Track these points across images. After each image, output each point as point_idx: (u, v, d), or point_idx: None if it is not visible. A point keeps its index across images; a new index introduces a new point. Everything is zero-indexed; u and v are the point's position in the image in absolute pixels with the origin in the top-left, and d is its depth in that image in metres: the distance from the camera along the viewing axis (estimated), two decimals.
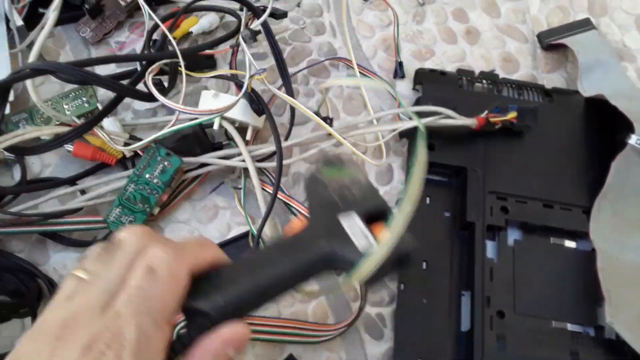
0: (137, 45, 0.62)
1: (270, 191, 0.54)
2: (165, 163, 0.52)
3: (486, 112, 0.55)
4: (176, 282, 0.28)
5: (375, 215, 0.35)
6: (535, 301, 0.53)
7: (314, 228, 0.35)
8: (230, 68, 0.58)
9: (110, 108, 0.47)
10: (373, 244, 0.33)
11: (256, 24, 0.55)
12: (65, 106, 0.55)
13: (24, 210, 0.50)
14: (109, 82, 0.44)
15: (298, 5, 0.66)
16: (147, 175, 0.51)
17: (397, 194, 0.58)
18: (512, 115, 0.55)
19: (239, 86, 0.55)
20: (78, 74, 0.41)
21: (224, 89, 0.61)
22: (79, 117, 0.55)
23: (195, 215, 0.55)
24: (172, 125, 0.48)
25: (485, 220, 0.54)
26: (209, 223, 0.55)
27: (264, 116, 0.55)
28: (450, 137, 0.56)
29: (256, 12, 0.55)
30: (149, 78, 0.46)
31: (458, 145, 0.56)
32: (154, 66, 0.47)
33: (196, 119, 0.50)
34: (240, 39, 0.52)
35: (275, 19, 0.58)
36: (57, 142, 0.46)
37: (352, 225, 0.35)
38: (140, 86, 0.49)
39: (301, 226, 0.35)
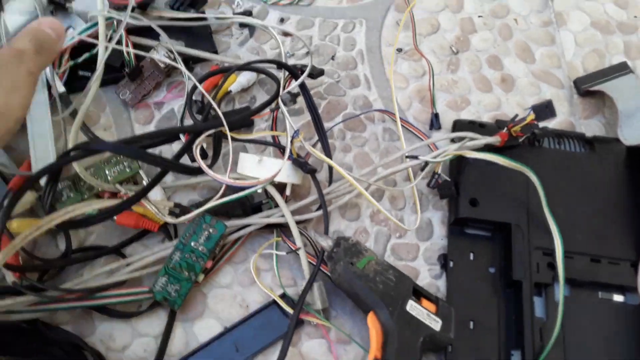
0: (174, 103, 0.63)
1: (314, 261, 0.54)
2: (211, 230, 0.52)
3: (506, 127, 0.56)
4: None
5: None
6: (586, 358, 0.52)
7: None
8: (272, 129, 0.58)
9: (156, 182, 0.47)
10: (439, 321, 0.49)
11: (294, 86, 0.55)
12: (107, 172, 0.56)
13: (70, 282, 0.50)
14: (158, 159, 0.44)
15: (332, 58, 0.67)
16: (192, 243, 0.51)
17: (439, 250, 0.58)
18: (530, 118, 0.55)
19: (276, 146, 0.56)
20: (128, 153, 0.42)
21: (260, 147, 0.61)
22: (120, 182, 0.55)
23: (237, 279, 0.55)
24: (220, 197, 0.49)
25: (532, 278, 0.53)
26: (252, 286, 0.55)
27: (301, 173, 0.55)
28: (494, 192, 0.56)
29: (294, 74, 0.56)
30: (196, 152, 0.46)
31: (501, 199, 0.55)
32: (201, 138, 0.48)
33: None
34: (281, 103, 0.52)
35: (313, 79, 0.58)
36: (103, 216, 0.47)
37: (420, 313, 0.49)
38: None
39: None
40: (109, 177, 0.56)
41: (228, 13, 0.68)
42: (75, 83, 0.60)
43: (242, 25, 0.68)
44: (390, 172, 0.57)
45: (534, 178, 0.54)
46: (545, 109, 0.53)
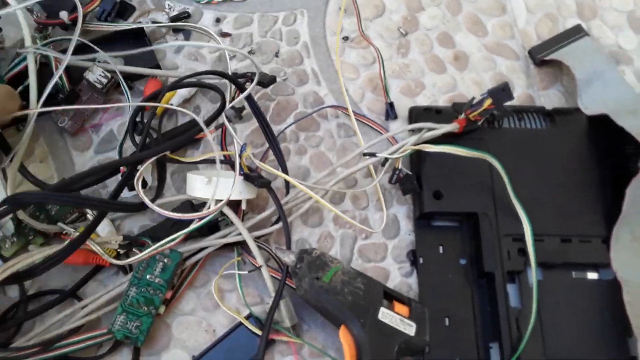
0: (113, 124, 0.59)
1: (278, 276, 0.51)
2: (165, 260, 0.49)
3: (463, 112, 0.54)
4: None
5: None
6: (565, 342, 0.50)
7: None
8: (222, 149, 0.55)
9: (96, 225, 0.44)
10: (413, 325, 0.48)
11: (239, 99, 0.52)
12: (49, 206, 0.53)
13: (23, 337, 0.47)
14: (95, 202, 0.41)
15: (276, 55, 0.63)
16: (147, 276, 0.49)
17: (407, 247, 0.56)
18: (487, 102, 0.52)
19: (227, 163, 0.53)
20: (62, 201, 0.39)
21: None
22: (64, 216, 0.52)
23: (201, 304, 0.53)
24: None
25: (504, 267, 0.51)
26: (216, 310, 0.53)
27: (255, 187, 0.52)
28: (457, 182, 0.53)
29: (240, 87, 0.52)
30: (138, 185, 0.43)
31: (465, 189, 0.53)
32: (142, 168, 0.44)
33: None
34: (226, 121, 0.49)
35: (264, 87, 0.55)
36: (49, 263, 0.44)
37: (393, 319, 0.47)
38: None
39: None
40: (52, 212, 0.53)
41: (161, 19, 0.64)
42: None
43: (176, 31, 0.64)
44: (348, 173, 0.54)
45: (496, 164, 0.52)
46: (502, 92, 0.51)
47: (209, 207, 0.47)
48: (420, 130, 0.55)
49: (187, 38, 0.64)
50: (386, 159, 0.54)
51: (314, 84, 0.62)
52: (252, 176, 0.50)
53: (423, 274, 0.54)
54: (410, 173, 0.55)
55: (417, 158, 0.56)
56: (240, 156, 0.49)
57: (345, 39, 0.64)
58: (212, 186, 0.49)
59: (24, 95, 0.54)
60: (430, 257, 0.54)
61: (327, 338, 0.52)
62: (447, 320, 0.52)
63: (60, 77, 0.55)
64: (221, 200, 0.47)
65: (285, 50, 0.64)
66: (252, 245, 0.51)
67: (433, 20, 0.65)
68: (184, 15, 0.64)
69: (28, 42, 0.54)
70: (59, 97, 0.56)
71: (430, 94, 0.62)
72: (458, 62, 0.63)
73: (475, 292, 0.53)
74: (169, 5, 0.65)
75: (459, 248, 0.54)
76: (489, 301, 0.52)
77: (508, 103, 0.57)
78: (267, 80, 0.55)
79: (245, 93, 0.50)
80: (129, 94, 0.57)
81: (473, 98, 0.55)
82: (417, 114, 0.58)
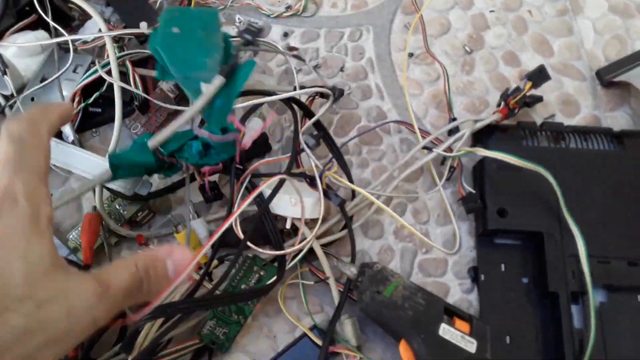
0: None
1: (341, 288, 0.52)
2: (262, 272, 0.51)
3: (503, 101, 0.56)
4: (39, 140, 0.32)
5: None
6: None
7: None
8: (298, 167, 0.56)
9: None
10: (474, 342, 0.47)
11: (309, 125, 0.53)
12: (120, 207, 0.55)
13: None
14: (226, 299, 0.48)
15: (341, 69, 0.65)
16: (242, 286, 0.50)
17: (468, 263, 0.56)
18: (528, 86, 0.55)
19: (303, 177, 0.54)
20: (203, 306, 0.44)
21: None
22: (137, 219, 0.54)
23: (263, 309, 0.54)
24: None
25: (568, 288, 0.50)
26: (277, 316, 0.54)
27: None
28: (521, 199, 0.53)
29: (311, 114, 0.53)
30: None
31: (530, 207, 0.53)
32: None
33: None
34: (307, 149, 0.50)
35: (334, 101, 0.56)
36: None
37: (454, 336, 0.47)
38: None
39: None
40: (123, 212, 0.55)
41: (231, 32, 0.66)
42: (87, 121, 0.59)
43: (245, 43, 0.65)
44: (408, 172, 0.55)
45: (550, 178, 0.51)
46: (539, 74, 0.55)
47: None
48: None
49: (255, 52, 0.65)
50: (444, 159, 0.55)
51: (378, 99, 0.63)
52: (332, 195, 0.51)
53: (484, 291, 0.53)
54: (473, 191, 0.55)
55: (480, 175, 0.56)
56: (321, 176, 0.50)
57: (410, 55, 0.65)
58: (298, 207, 0.50)
59: (98, 102, 0.57)
60: (492, 274, 0.54)
61: (386, 350, 0.52)
62: (508, 338, 0.51)
63: (136, 86, 0.58)
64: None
65: (350, 65, 0.65)
66: (323, 259, 0.52)
67: (499, 39, 0.66)
68: (253, 29, 0.66)
69: (110, 51, 0.56)
70: (134, 105, 0.58)
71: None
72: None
73: (537, 311, 0.52)
74: (239, 19, 0.67)
75: (521, 266, 0.54)
76: (552, 321, 0.51)
77: (573, 120, 0.57)
78: (337, 95, 0.56)
79: (314, 119, 0.52)
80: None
81: (517, 87, 0.56)
82: (480, 132, 0.58)
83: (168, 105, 0.59)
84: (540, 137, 0.57)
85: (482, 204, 0.54)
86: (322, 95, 0.57)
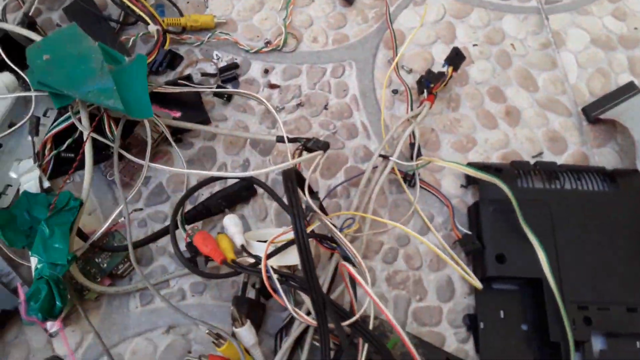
0: (161, 176, 0.58)
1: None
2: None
3: (426, 91, 0.59)
4: None
5: None
6: None
7: None
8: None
9: None
10: None
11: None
12: (99, 260, 0.51)
13: None
14: None
15: (325, 107, 0.62)
16: None
17: (462, 310, 0.54)
18: (450, 70, 0.60)
19: None
20: None
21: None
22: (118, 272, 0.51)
23: None
24: None
25: (570, 336, 0.49)
26: None
27: None
28: (519, 243, 0.52)
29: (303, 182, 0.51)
30: None
31: (528, 251, 0.51)
32: None
33: None
34: (313, 207, 0.48)
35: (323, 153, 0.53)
36: None
37: None
38: None
39: None
40: (103, 265, 0.51)
41: (208, 69, 0.63)
42: (59, 168, 0.55)
43: (225, 81, 0.63)
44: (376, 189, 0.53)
45: (505, 189, 0.51)
46: (456, 57, 0.60)
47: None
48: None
49: (235, 89, 0.63)
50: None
51: (364, 138, 0.61)
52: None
53: (484, 340, 0.52)
54: (469, 232, 0.53)
55: (475, 217, 0.54)
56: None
57: (395, 92, 0.63)
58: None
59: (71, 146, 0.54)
60: (491, 322, 0.52)
61: None
62: None
63: (112, 132, 0.54)
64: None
65: (335, 102, 0.63)
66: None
67: (483, 73, 0.65)
68: (232, 66, 0.63)
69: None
70: (110, 151, 0.55)
71: (482, 150, 0.60)
72: (510, 118, 0.62)
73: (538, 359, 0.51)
74: (217, 55, 0.64)
75: (520, 313, 0.53)
76: None
77: (561, 159, 0.56)
78: (323, 147, 0.53)
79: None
80: (178, 150, 0.56)
81: (434, 72, 0.60)
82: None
83: (137, 160, 0.55)
84: (535, 177, 0.55)
85: (481, 245, 0.52)
86: (307, 148, 0.54)
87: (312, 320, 0.45)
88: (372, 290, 0.52)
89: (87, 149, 0.51)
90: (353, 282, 0.49)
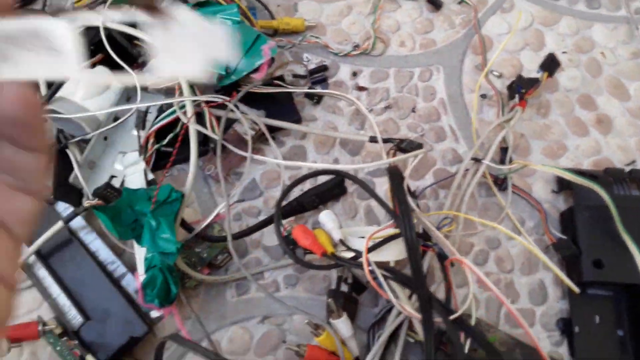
0: (254, 173, 0.60)
1: None
2: None
3: (518, 96, 0.60)
4: None
5: None
6: None
7: None
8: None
9: None
10: None
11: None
12: (200, 251, 0.53)
13: None
14: None
15: (413, 110, 0.63)
16: None
17: (555, 314, 0.53)
18: (545, 76, 0.61)
19: None
20: None
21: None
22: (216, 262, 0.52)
23: None
24: None
25: None
26: None
27: None
28: (616, 248, 0.51)
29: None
30: None
31: (626, 255, 0.51)
32: None
33: None
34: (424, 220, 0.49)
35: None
36: None
37: None
38: None
39: None
40: (203, 255, 0.53)
41: (298, 71, 0.65)
42: (159, 162, 0.58)
43: (315, 82, 0.64)
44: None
45: (605, 196, 0.50)
46: (552, 63, 0.62)
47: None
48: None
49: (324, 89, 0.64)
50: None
51: (453, 141, 0.62)
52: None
53: (579, 344, 0.51)
54: (564, 237, 0.53)
55: (571, 222, 0.54)
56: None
57: (483, 96, 0.64)
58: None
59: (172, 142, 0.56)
60: (586, 326, 0.52)
61: None
62: None
63: (212, 128, 0.56)
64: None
65: (422, 106, 0.63)
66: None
67: (573, 81, 0.64)
68: (322, 69, 0.65)
69: (186, 90, 0.55)
70: (210, 147, 0.57)
71: (573, 157, 0.60)
72: (601, 126, 0.62)
73: None
74: (307, 57, 0.66)
75: (615, 318, 0.52)
76: None
77: None
78: (417, 148, 0.54)
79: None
80: (273, 142, 0.58)
81: (525, 78, 0.61)
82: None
83: (241, 152, 0.57)
84: (630, 185, 0.55)
85: (578, 250, 0.52)
86: (400, 148, 0.55)
87: (416, 313, 0.45)
88: (464, 290, 0.53)
89: (193, 140, 0.53)
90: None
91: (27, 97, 0.19)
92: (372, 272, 0.45)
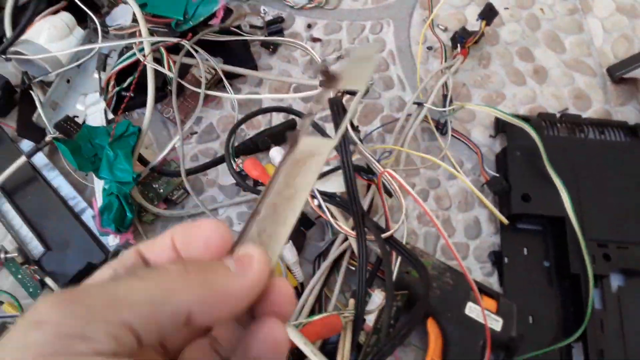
0: (211, 117, 0.63)
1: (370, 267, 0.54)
2: None
3: (460, 45, 0.64)
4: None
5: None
6: None
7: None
8: None
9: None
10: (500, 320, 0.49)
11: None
12: (157, 186, 0.56)
13: None
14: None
15: None
16: None
17: (488, 248, 0.58)
18: (483, 24, 0.64)
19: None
20: None
21: None
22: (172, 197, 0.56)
23: None
24: None
25: (589, 271, 0.53)
26: None
27: None
28: (544, 185, 0.55)
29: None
30: None
31: (552, 193, 0.55)
32: None
33: None
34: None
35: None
36: None
37: (479, 314, 0.49)
38: None
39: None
40: (160, 190, 0.56)
41: (255, 23, 0.67)
42: (119, 105, 0.60)
43: (272, 34, 0.67)
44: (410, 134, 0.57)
45: (533, 134, 0.55)
46: (490, 12, 0.64)
47: None
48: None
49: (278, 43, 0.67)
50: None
51: (400, 90, 0.65)
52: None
53: (508, 273, 0.56)
54: (497, 175, 0.58)
55: (503, 162, 0.58)
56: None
57: (429, 48, 0.67)
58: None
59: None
60: (515, 257, 0.56)
61: None
62: (530, 318, 0.54)
63: (170, 68, 0.59)
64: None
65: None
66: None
67: (513, 35, 0.68)
68: (278, 20, 0.68)
69: (145, 33, 0.57)
70: (168, 89, 0.60)
71: (510, 104, 0.65)
72: (537, 76, 0.66)
73: (559, 293, 0.55)
74: (264, 10, 0.69)
75: (543, 251, 0.57)
76: (572, 302, 0.54)
77: (585, 114, 0.60)
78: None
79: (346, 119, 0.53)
80: (229, 87, 0.61)
81: (468, 30, 0.65)
82: (504, 122, 0.60)
83: (195, 89, 0.60)
84: (560, 128, 0.59)
85: (508, 185, 0.56)
86: (349, 91, 0.58)
87: (351, 232, 0.49)
88: (404, 226, 0.57)
89: (150, 76, 0.56)
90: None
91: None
92: (314, 197, 0.49)
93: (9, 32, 0.61)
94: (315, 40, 0.68)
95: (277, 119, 0.63)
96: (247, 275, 0.20)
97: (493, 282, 0.57)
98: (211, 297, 0.19)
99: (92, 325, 0.16)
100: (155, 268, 0.20)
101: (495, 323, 0.50)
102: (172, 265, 0.19)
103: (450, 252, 0.57)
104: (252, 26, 0.67)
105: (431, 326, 0.50)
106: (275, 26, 0.67)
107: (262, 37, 0.65)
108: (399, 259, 0.50)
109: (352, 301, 0.50)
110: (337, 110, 0.47)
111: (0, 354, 0.16)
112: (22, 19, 0.59)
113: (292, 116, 0.61)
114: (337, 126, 0.48)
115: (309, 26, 0.69)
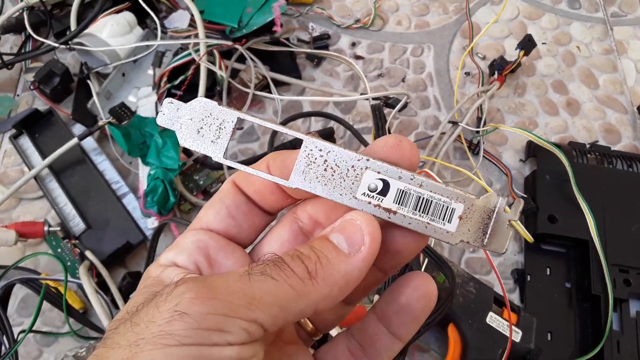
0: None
1: None
2: None
3: (497, 72, 0.67)
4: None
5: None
6: None
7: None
8: None
9: None
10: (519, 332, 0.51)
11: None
12: (198, 178, 0.59)
13: None
14: None
15: (403, 80, 0.70)
16: None
17: (511, 265, 0.59)
18: (521, 54, 0.66)
19: None
20: None
21: None
22: (211, 190, 0.58)
23: None
24: None
25: (610, 294, 0.54)
26: None
27: None
28: (570, 208, 0.57)
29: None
30: None
31: (578, 216, 0.57)
32: None
33: None
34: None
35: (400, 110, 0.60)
36: None
37: (500, 324, 0.51)
38: None
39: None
40: (200, 182, 0.59)
41: (303, 37, 0.71)
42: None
43: (317, 49, 0.71)
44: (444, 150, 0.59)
45: (564, 159, 0.57)
46: (528, 42, 0.66)
47: None
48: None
49: (324, 57, 0.71)
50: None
51: (435, 110, 0.68)
52: None
53: (530, 291, 0.57)
54: (525, 195, 0.59)
55: (532, 184, 0.60)
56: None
57: (467, 74, 0.70)
58: None
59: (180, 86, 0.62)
60: (537, 276, 0.58)
61: (431, 333, 0.55)
62: (549, 335, 0.55)
63: (221, 69, 0.63)
64: None
65: (411, 77, 0.70)
66: None
67: (549, 68, 0.71)
68: (325, 37, 0.71)
69: (202, 35, 0.61)
70: (216, 90, 0.63)
71: (542, 132, 0.67)
72: (570, 108, 0.68)
73: (578, 314, 0.56)
74: (312, 26, 0.72)
75: (565, 272, 0.58)
76: (591, 323, 0.55)
77: (618, 149, 0.62)
78: (406, 102, 0.60)
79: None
80: (275, 91, 0.64)
81: (506, 59, 0.67)
82: (535, 147, 0.62)
83: (244, 89, 0.63)
84: (590, 157, 0.61)
85: (535, 206, 0.58)
86: (387, 104, 0.61)
87: None
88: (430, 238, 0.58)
89: (202, 74, 0.59)
90: None
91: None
92: None
93: (73, 25, 0.65)
94: (358, 57, 0.71)
95: (315, 126, 0.66)
96: (361, 253, 0.22)
97: (514, 298, 0.58)
98: (334, 291, 0.21)
99: (230, 321, 0.19)
100: (283, 267, 0.21)
101: (515, 334, 0.51)
102: (297, 267, 0.21)
103: (474, 266, 0.58)
104: (299, 40, 0.71)
105: (452, 332, 0.52)
106: (322, 42, 0.71)
107: (309, 50, 0.68)
108: (426, 261, 0.52)
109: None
110: (379, 114, 0.50)
111: (146, 332, 0.19)
112: (88, 14, 0.63)
113: (331, 123, 0.64)
114: (376, 125, 0.50)
115: (353, 44, 0.72)
